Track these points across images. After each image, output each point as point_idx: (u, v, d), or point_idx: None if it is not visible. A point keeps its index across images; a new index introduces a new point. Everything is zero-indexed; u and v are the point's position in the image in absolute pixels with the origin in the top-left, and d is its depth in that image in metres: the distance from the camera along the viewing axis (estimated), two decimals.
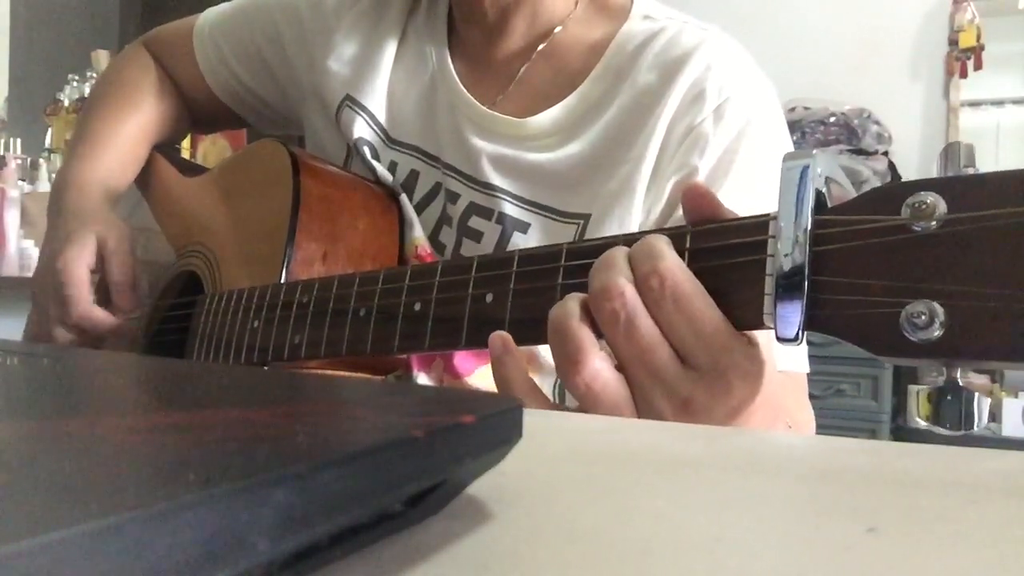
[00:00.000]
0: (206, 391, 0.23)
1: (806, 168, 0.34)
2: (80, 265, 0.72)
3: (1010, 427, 2.35)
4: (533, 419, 0.20)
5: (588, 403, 0.37)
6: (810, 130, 2.71)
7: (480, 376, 0.64)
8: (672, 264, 0.36)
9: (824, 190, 0.34)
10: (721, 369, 0.36)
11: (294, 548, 0.13)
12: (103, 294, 0.75)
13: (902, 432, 2.39)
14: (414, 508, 0.17)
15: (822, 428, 0.58)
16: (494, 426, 0.18)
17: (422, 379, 0.64)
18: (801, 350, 0.61)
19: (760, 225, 0.35)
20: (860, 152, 2.66)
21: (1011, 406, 2.37)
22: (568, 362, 0.37)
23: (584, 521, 0.18)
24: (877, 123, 2.72)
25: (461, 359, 0.64)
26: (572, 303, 0.38)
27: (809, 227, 0.33)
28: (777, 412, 0.45)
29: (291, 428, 0.17)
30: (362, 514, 0.15)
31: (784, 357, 0.58)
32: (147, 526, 0.10)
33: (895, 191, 0.32)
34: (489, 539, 0.17)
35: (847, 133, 2.69)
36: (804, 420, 0.59)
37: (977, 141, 2.74)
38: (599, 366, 0.37)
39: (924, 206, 0.30)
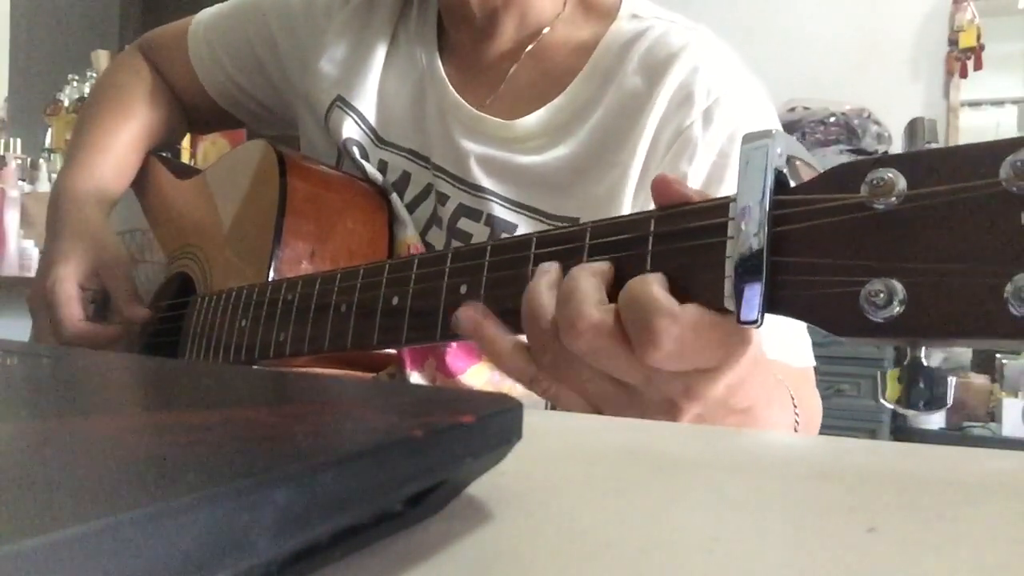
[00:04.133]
0: (206, 391, 0.23)
1: (765, 148, 0.33)
2: (70, 284, 0.73)
3: (1010, 427, 2.35)
4: (533, 419, 0.20)
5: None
6: (810, 130, 2.70)
7: (473, 374, 0.64)
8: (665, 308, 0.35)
9: (786, 170, 0.34)
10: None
11: (294, 548, 0.13)
12: (101, 307, 0.75)
13: (902, 432, 2.39)
14: (414, 508, 0.17)
15: (822, 428, 0.58)
16: (494, 426, 0.18)
17: (415, 377, 0.64)
18: (805, 344, 0.61)
19: (720, 207, 0.35)
20: (860, 152, 2.66)
21: (1011, 406, 2.37)
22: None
23: (584, 521, 0.18)
24: (877, 123, 2.72)
25: (453, 357, 0.64)
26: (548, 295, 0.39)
27: (768, 208, 0.33)
28: (767, 376, 0.45)
29: (291, 428, 0.17)
30: (362, 514, 0.15)
31: (790, 352, 0.58)
32: (147, 526, 0.10)
33: (856, 168, 0.31)
34: (489, 539, 0.17)
35: (847, 133, 2.69)
36: (814, 406, 0.58)
37: (977, 141, 2.74)
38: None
39: (883, 183, 0.30)
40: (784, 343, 0.37)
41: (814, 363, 0.62)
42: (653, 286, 0.35)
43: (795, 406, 0.48)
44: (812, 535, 0.18)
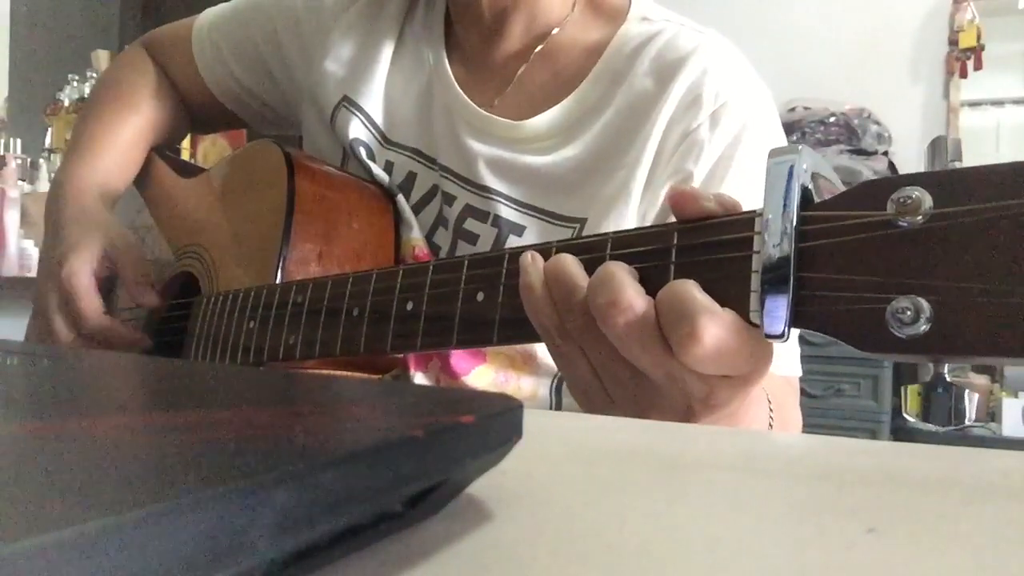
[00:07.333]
0: (206, 391, 0.23)
1: (792, 164, 0.34)
2: (86, 274, 0.71)
3: (1010, 427, 2.35)
4: (533, 419, 0.20)
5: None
6: (810, 130, 2.70)
7: (477, 375, 0.64)
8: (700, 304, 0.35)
9: (811, 186, 0.34)
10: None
11: (294, 548, 0.13)
12: (108, 295, 0.75)
13: (902, 432, 2.39)
14: (414, 508, 0.17)
15: (822, 428, 0.58)
16: (494, 426, 0.18)
17: (419, 379, 0.64)
18: (792, 353, 0.61)
19: (746, 222, 0.35)
20: (860, 152, 2.66)
21: (1011, 406, 2.36)
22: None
23: (584, 521, 0.18)
24: (877, 123, 2.72)
25: (458, 359, 0.64)
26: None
27: (795, 223, 0.33)
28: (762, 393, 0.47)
29: (291, 428, 0.17)
30: (362, 514, 0.15)
31: (778, 362, 0.59)
32: (147, 526, 0.10)
33: (881, 186, 0.31)
34: (489, 539, 0.17)
35: (847, 133, 2.69)
36: (793, 419, 0.59)
37: (977, 141, 2.74)
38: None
39: (909, 201, 0.30)
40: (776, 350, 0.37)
41: (800, 373, 0.63)
42: (694, 287, 0.35)
43: (770, 407, 0.49)
44: (812, 535, 0.18)
